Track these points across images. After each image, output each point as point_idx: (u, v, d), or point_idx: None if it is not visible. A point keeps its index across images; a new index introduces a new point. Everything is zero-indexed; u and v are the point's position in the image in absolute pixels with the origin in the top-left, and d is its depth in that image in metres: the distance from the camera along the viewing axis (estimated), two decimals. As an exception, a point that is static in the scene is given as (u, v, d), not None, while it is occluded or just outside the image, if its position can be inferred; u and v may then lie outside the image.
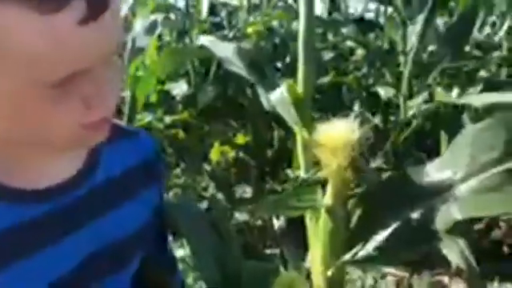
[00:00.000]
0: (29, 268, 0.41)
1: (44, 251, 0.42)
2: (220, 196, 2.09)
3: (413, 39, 1.39)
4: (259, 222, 1.72)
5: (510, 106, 0.77)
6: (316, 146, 0.58)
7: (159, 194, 0.56)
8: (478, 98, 0.93)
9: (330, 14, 2.83)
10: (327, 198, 0.60)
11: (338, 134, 0.57)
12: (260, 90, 0.77)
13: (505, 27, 1.70)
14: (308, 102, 0.68)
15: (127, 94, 1.20)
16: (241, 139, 1.87)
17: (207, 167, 2.12)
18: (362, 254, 0.58)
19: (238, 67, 0.80)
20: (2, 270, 0.40)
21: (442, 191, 0.56)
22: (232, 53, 0.81)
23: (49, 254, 0.43)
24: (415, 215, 0.57)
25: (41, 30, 0.33)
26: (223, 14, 2.90)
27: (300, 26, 0.67)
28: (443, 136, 1.47)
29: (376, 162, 1.72)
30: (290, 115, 0.66)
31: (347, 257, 0.59)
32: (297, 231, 0.82)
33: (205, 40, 0.81)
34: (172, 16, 2.54)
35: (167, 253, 0.62)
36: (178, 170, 2.30)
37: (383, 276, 1.57)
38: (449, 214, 0.55)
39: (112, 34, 0.37)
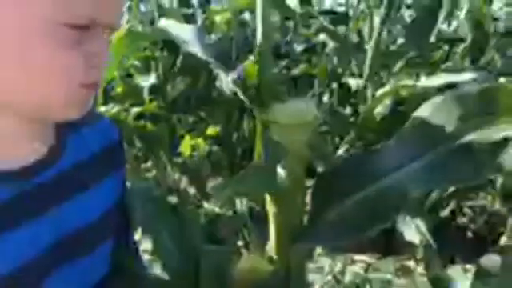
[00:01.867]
0: None
1: (13, 233, 0.41)
2: (192, 190, 2.07)
3: (375, 30, 1.42)
4: (230, 213, 1.72)
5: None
6: (272, 126, 0.58)
7: (122, 181, 0.56)
8: (436, 80, 0.95)
9: (301, 6, 2.84)
10: (284, 178, 0.60)
11: (294, 113, 0.57)
12: (221, 74, 0.76)
13: (461, 16, 1.76)
14: (267, 83, 0.67)
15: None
16: (211, 131, 1.85)
17: (178, 160, 2.10)
18: (318, 232, 0.58)
19: (198, 50, 0.78)
20: None
21: (397, 168, 0.57)
22: (192, 35, 0.79)
23: (17, 237, 0.41)
24: (371, 193, 0.57)
25: None
26: (196, 5, 2.86)
27: (257, 6, 0.66)
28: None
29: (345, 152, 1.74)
30: (247, 96, 0.65)
31: (304, 236, 0.59)
32: (260, 217, 0.82)
33: (163, 22, 0.79)
34: (142, 7, 2.49)
35: (127, 237, 0.62)
36: (148, 164, 2.26)
37: (352, 262, 1.60)
38: (404, 190, 0.56)
39: None
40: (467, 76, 0.72)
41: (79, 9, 0.38)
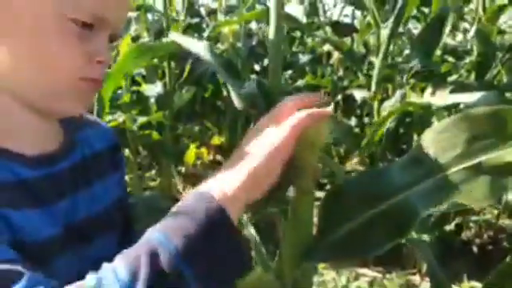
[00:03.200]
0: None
1: (32, 210, 0.43)
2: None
3: (382, 42, 1.42)
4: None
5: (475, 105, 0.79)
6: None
7: (122, 184, 0.60)
8: (443, 99, 0.95)
9: (308, 17, 2.85)
10: (293, 193, 0.60)
11: (306, 131, 0.57)
12: (231, 88, 0.76)
13: (471, 32, 1.76)
14: (277, 97, 0.67)
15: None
16: (216, 140, 1.85)
17: (182, 169, 2.10)
18: (327, 250, 0.57)
19: (207, 61, 0.78)
20: None
21: (406, 188, 0.57)
22: (203, 50, 0.79)
23: (35, 214, 0.44)
24: (381, 211, 0.57)
25: None
26: (203, 15, 2.89)
27: (270, 23, 0.67)
28: (416, 139, 1.50)
29: (351, 165, 1.74)
30: (259, 111, 0.65)
31: (314, 253, 0.58)
32: (266, 230, 0.82)
33: (175, 36, 0.80)
34: (149, 16, 2.51)
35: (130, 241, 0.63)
36: (152, 172, 2.27)
37: (356, 277, 1.59)
38: (413, 209, 0.56)
39: None
40: (475, 96, 0.73)
41: (86, 6, 0.42)
